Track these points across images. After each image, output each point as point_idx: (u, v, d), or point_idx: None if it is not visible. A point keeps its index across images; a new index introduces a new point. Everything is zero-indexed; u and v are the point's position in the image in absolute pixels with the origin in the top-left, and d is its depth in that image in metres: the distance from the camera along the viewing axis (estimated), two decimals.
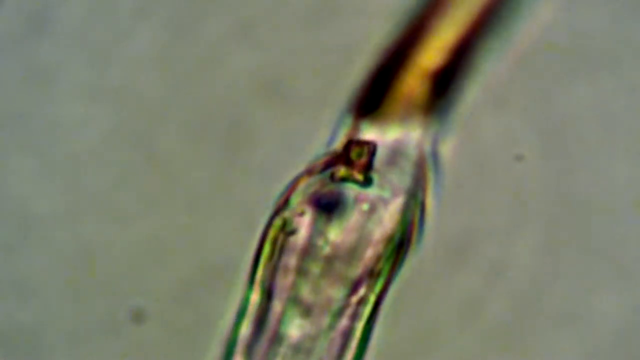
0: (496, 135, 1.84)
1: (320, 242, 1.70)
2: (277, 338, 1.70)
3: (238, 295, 1.75)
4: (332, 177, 1.72)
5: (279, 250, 1.71)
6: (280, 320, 1.70)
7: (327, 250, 1.70)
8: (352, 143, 1.73)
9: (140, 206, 1.85)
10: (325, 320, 1.69)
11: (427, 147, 1.78)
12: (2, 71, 1.86)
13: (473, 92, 1.82)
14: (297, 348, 1.69)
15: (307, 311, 1.69)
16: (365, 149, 1.72)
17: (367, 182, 1.72)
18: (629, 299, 1.83)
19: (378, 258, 1.71)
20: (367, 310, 1.71)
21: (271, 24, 1.86)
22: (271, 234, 1.72)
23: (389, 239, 1.71)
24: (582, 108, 1.84)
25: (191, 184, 1.85)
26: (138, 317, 1.83)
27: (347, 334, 1.71)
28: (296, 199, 1.72)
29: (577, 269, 1.83)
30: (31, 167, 1.85)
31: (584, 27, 1.84)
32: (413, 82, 1.77)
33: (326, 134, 1.81)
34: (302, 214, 1.71)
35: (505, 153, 1.84)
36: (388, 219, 1.71)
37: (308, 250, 1.70)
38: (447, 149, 1.81)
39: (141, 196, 1.85)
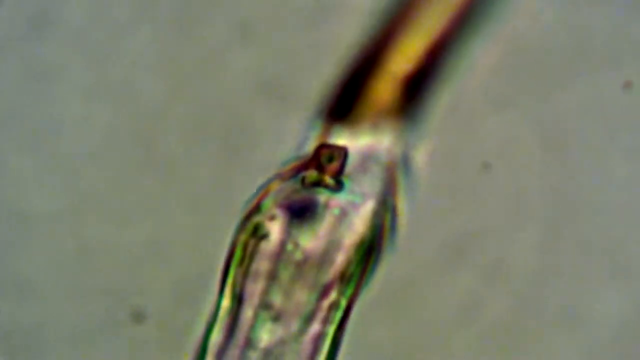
0: (496, 135, 1.84)
1: (291, 247, 1.69)
2: (248, 343, 1.69)
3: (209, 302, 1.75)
4: (303, 182, 1.71)
5: (250, 255, 1.70)
6: (251, 326, 1.69)
7: (298, 255, 1.69)
8: (323, 147, 1.72)
9: (140, 206, 1.85)
10: (297, 325, 1.68)
11: (399, 153, 1.77)
12: (2, 71, 1.86)
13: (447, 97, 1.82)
14: (268, 353, 1.68)
15: (278, 316, 1.68)
16: (337, 154, 1.71)
17: (338, 187, 1.71)
18: (629, 299, 1.83)
19: (349, 263, 1.70)
20: (338, 314, 1.70)
21: (271, 24, 1.86)
22: (242, 238, 1.71)
23: (360, 244, 1.70)
24: (582, 108, 1.84)
25: (191, 184, 1.85)
26: (138, 317, 1.83)
27: (319, 339, 1.70)
28: (268, 204, 1.71)
29: (577, 268, 1.83)
30: (31, 167, 1.85)
31: (585, 27, 1.85)
32: (384, 88, 1.77)
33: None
34: (273, 218, 1.70)
35: (505, 152, 1.84)
36: (359, 223, 1.70)
37: (279, 255, 1.69)
38: (447, 147, 1.81)
39: (141, 196, 1.85)
